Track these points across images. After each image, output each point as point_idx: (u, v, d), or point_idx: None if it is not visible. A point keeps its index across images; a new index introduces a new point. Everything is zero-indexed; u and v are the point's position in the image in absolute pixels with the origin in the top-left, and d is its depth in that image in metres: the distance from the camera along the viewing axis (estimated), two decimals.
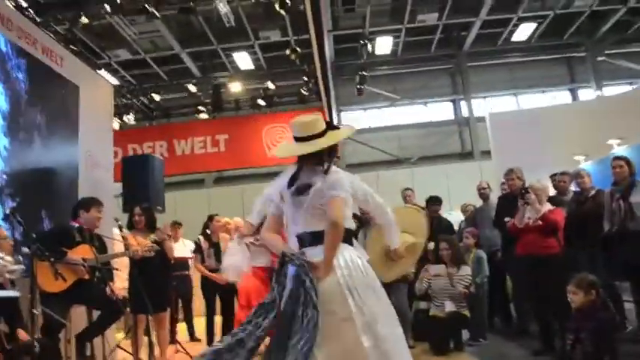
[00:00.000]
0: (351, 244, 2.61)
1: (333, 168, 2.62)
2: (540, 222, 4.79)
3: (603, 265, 4.85)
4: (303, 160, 2.64)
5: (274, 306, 2.41)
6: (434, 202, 6.72)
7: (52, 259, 3.78)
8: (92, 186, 5.67)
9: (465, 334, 5.56)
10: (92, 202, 4.55)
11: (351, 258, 2.52)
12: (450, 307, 5.33)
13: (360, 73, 14.19)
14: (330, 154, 2.64)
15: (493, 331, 6.10)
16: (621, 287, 5.19)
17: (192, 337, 7.32)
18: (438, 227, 6.28)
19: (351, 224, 2.66)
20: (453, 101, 16.60)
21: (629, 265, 4.61)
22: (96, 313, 4.45)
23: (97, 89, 6.53)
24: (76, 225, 4.43)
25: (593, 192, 5.34)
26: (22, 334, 3.54)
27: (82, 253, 4.23)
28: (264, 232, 2.79)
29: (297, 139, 2.66)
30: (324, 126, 2.66)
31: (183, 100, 14.95)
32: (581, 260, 4.84)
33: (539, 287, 4.68)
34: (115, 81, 13.03)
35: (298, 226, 2.62)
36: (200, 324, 6.92)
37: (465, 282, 5.40)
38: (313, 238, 2.53)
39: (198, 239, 6.51)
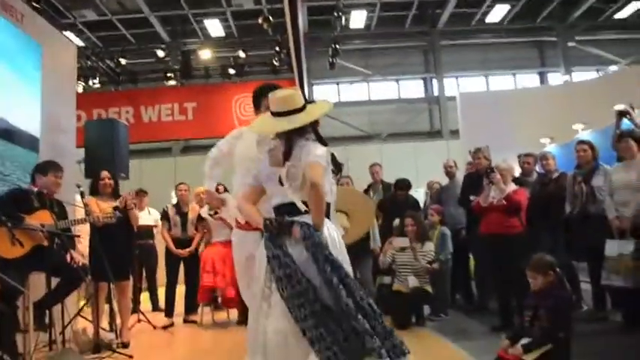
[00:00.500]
0: (328, 217, 2.62)
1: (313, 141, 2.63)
2: (504, 202, 4.86)
3: (565, 245, 4.98)
4: (286, 136, 2.60)
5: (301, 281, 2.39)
6: (402, 187, 6.52)
7: (9, 224, 3.66)
8: (53, 150, 5.47)
9: (427, 310, 5.66)
10: (49, 166, 4.38)
11: (329, 231, 2.54)
12: (413, 282, 5.39)
13: (333, 45, 14.03)
14: (312, 126, 2.68)
15: (454, 307, 6.23)
16: (578, 267, 5.36)
17: (156, 306, 7.26)
18: (404, 204, 6.32)
19: (329, 198, 2.65)
20: (425, 79, 16.65)
21: (589, 247, 4.73)
22: (55, 281, 4.34)
23: (60, 50, 6.25)
24: (35, 189, 4.28)
25: (556, 174, 5.45)
26: None
27: (40, 218, 4.08)
28: (241, 202, 2.74)
29: (276, 114, 2.61)
30: (302, 101, 2.65)
31: (151, 66, 14.48)
32: (544, 240, 4.95)
33: (502, 266, 4.78)
34: (79, 42, 12.57)
35: (277, 197, 2.60)
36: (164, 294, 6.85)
37: (429, 258, 5.47)
38: (292, 209, 2.50)
39: (166, 207, 6.43)
